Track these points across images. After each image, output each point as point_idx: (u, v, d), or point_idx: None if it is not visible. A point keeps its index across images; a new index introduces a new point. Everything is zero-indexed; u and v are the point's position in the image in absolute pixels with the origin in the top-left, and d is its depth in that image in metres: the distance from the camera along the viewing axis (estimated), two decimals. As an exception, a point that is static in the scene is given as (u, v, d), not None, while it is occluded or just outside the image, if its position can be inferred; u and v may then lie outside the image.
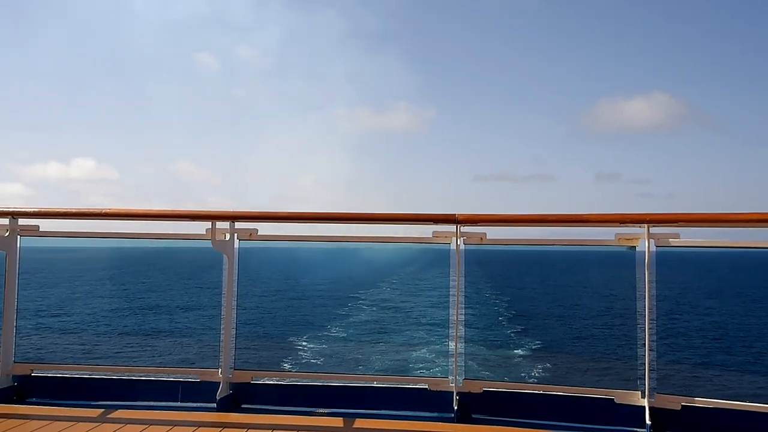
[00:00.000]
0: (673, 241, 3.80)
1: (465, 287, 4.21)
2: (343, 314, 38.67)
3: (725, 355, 27.67)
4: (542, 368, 23.02)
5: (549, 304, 46.68)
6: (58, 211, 4.40)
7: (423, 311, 39.43)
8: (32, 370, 4.49)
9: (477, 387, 4.07)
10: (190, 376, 4.46)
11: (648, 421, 3.66)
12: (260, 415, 4.04)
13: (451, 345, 4.13)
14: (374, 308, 42.28)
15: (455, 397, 3.98)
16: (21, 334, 4.60)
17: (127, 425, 3.73)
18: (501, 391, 4.18)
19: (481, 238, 4.12)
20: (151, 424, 3.74)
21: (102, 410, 4.01)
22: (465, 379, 4.08)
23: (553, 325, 36.56)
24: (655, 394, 3.75)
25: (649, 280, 3.80)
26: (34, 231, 4.53)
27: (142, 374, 4.84)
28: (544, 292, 56.29)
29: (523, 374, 22.37)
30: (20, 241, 4.52)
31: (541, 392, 4.15)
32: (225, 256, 4.34)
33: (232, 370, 4.30)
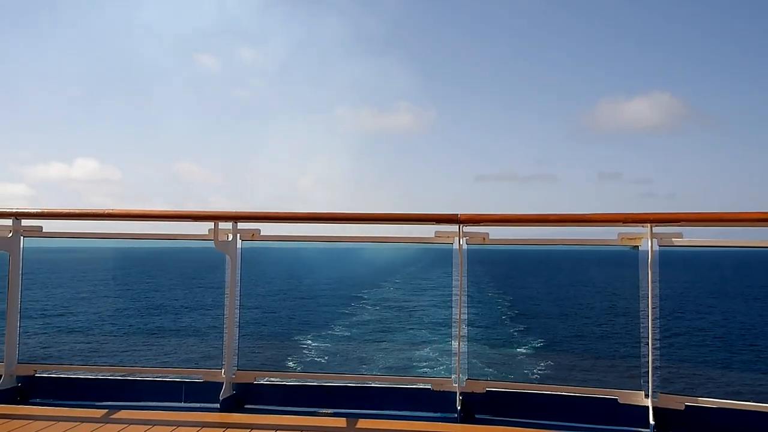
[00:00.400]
0: (676, 241, 3.79)
1: (467, 287, 4.21)
2: (346, 313, 38.79)
3: (729, 354, 27.63)
4: (545, 366, 23.03)
5: (552, 304, 46.70)
6: (61, 212, 4.41)
7: (426, 310, 39.43)
8: (36, 370, 4.50)
9: (480, 387, 4.07)
10: (193, 377, 4.46)
11: (651, 421, 3.65)
12: (263, 415, 4.04)
13: (454, 344, 4.13)
14: (377, 307, 42.34)
15: (458, 397, 3.97)
16: (24, 335, 4.61)
17: (131, 425, 3.74)
18: (504, 391, 4.17)
19: (484, 238, 4.12)
20: (155, 425, 3.75)
21: (105, 410, 4.01)
22: (468, 379, 4.08)
23: (556, 324, 36.55)
24: (659, 394, 3.74)
25: (652, 280, 3.80)
26: (37, 232, 4.55)
27: (145, 374, 4.85)
28: (546, 292, 56.25)
29: (526, 371, 22.40)
30: (23, 242, 4.53)
31: (545, 392, 4.14)
32: (227, 257, 4.34)
33: (236, 370, 4.31)
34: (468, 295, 4.23)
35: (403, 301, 45.88)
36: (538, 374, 21.91)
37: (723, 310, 43.45)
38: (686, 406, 3.71)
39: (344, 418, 3.96)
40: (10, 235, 4.45)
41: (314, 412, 4.12)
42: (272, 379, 4.60)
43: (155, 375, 4.75)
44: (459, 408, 3.94)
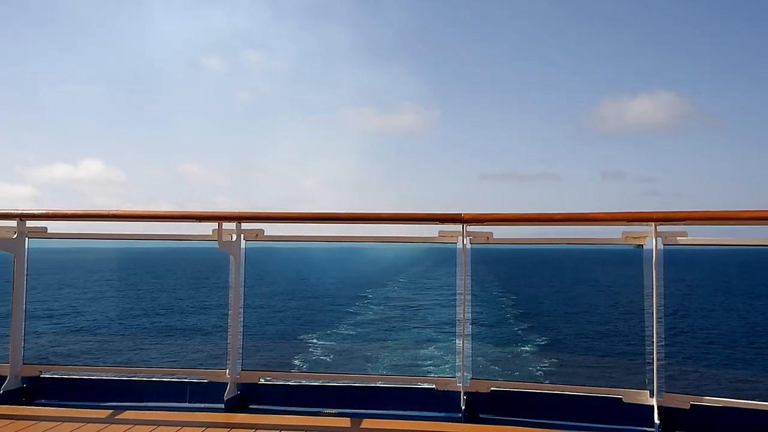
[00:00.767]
0: (680, 240, 3.78)
1: (471, 286, 4.20)
2: (351, 312, 38.93)
3: (734, 353, 27.56)
4: (549, 363, 23.04)
5: (556, 303, 46.64)
6: (65, 213, 4.41)
7: (430, 309, 39.48)
8: (41, 371, 4.51)
9: (484, 387, 4.06)
10: (198, 377, 4.47)
11: (657, 421, 3.64)
12: (268, 415, 4.04)
13: (458, 343, 4.13)
14: (382, 307, 42.41)
15: (463, 397, 3.97)
16: (29, 336, 4.62)
17: (136, 426, 3.74)
18: (509, 391, 4.17)
19: (488, 238, 4.11)
20: (160, 425, 3.76)
21: (111, 411, 4.02)
22: (472, 378, 4.07)
23: (561, 323, 36.52)
24: (664, 393, 3.73)
25: (656, 279, 3.79)
26: (42, 233, 4.55)
27: (150, 375, 4.86)
28: (551, 291, 56.20)
29: (531, 368, 22.40)
30: (28, 243, 4.54)
31: (549, 392, 4.14)
32: (231, 257, 4.34)
33: (240, 370, 4.31)
34: (472, 294, 4.23)
35: (408, 300, 45.93)
36: (542, 371, 21.93)
37: (727, 308, 43.36)
38: (691, 405, 3.69)
39: (348, 418, 3.96)
40: (15, 236, 4.46)
41: (318, 412, 4.13)
42: (276, 379, 4.60)
43: (160, 375, 4.76)
44: (463, 408, 3.94)
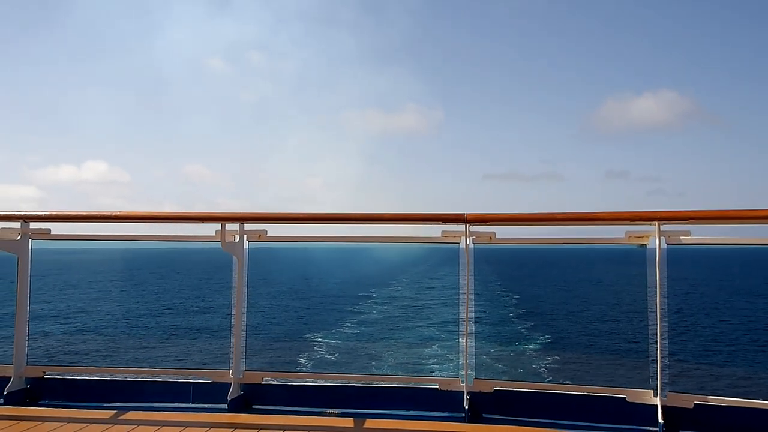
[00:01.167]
0: (684, 239, 3.76)
1: (474, 286, 4.19)
2: (355, 312, 39.03)
3: (738, 352, 27.50)
4: (552, 362, 23.05)
5: (559, 302, 46.62)
6: (69, 215, 4.42)
7: (433, 309, 39.52)
8: (44, 372, 4.51)
9: (488, 386, 4.05)
10: (201, 378, 4.47)
11: (660, 420, 3.63)
12: (271, 415, 4.05)
13: (462, 343, 4.12)
14: (386, 306, 42.51)
15: (466, 397, 3.97)
16: (33, 337, 4.63)
17: (140, 426, 3.75)
18: (512, 391, 4.16)
19: (491, 237, 4.10)
20: (163, 425, 3.76)
21: (114, 412, 4.02)
22: (476, 378, 4.07)
23: (564, 322, 36.49)
24: (668, 392, 3.72)
25: (660, 278, 3.78)
26: (46, 234, 4.56)
27: (154, 375, 4.86)
28: (554, 290, 56.14)
29: (534, 366, 22.41)
30: (32, 244, 4.54)
31: (553, 391, 4.13)
32: (235, 258, 4.34)
33: (243, 371, 4.31)
34: (476, 293, 4.22)
35: (411, 300, 45.99)
36: (545, 368, 21.93)
37: (731, 307, 43.24)
38: (695, 404, 3.68)
39: (352, 418, 3.96)
40: (19, 237, 4.47)
41: (321, 412, 4.13)
42: (279, 379, 4.61)
43: (163, 376, 4.76)
44: (467, 408, 3.93)
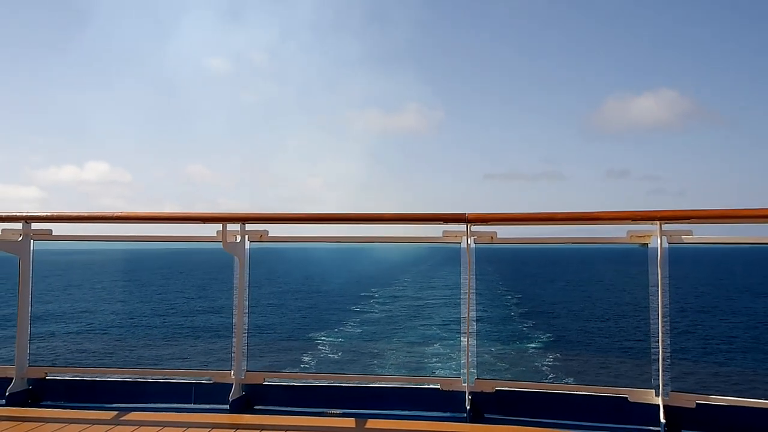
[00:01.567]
0: (685, 238, 3.76)
1: (476, 285, 4.19)
2: (357, 311, 39.12)
3: (740, 352, 27.49)
4: (554, 359, 23.07)
5: (561, 301, 46.62)
6: (70, 215, 4.42)
7: (435, 308, 39.58)
8: (46, 373, 4.51)
9: (489, 386, 4.05)
10: (203, 378, 4.47)
11: (662, 420, 3.62)
12: (273, 416, 4.05)
13: (463, 342, 4.12)
14: (388, 306, 42.57)
15: (467, 397, 3.96)
16: (35, 338, 4.63)
17: (142, 427, 3.75)
18: (514, 391, 4.16)
19: (492, 237, 4.10)
20: (165, 426, 3.76)
21: (116, 412, 4.03)
22: (477, 378, 4.07)
23: (566, 321, 36.49)
24: (669, 392, 3.72)
25: (662, 277, 3.77)
26: (47, 235, 4.56)
27: (155, 376, 4.86)
28: (555, 290, 56.16)
29: (536, 364, 22.43)
30: (33, 245, 4.54)
31: (554, 391, 4.13)
32: (236, 258, 4.34)
33: (245, 371, 4.31)
34: (477, 293, 4.22)
35: (413, 299, 46.04)
36: (548, 366, 21.94)
37: (733, 307, 43.22)
38: (697, 404, 3.68)
39: (353, 419, 3.96)
40: (20, 238, 4.47)
41: (323, 412, 4.12)
42: (281, 380, 4.61)
43: (165, 377, 4.76)
44: (468, 408, 3.93)
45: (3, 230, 4.44)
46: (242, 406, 4.20)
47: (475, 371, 4.13)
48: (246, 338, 4.37)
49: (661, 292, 3.76)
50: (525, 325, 33.17)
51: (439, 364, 21.97)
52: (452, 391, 4.08)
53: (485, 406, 4.01)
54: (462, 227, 4.07)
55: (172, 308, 43.65)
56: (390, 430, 3.81)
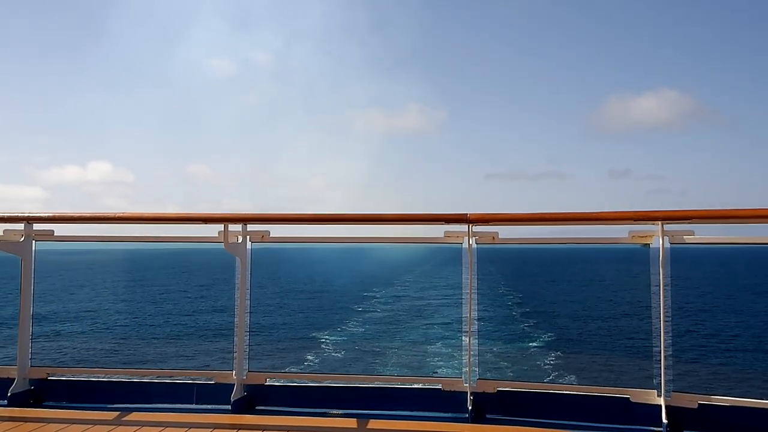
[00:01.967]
0: (687, 238, 3.75)
1: (478, 285, 4.19)
2: (360, 311, 39.23)
3: (742, 352, 27.45)
4: (556, 360, 23.07)
5: (563, 301, 46.67)
6: (72, 216, 4.42)
7: (437, 308, 39.65)
8: (48, 373, 4.52)
9: (491, 387, 4.05)
10: (204, 378, 4.47)
11: (665, 420, 3.62)
12: (275, 416, 4.05)
13: (465, 342, 4.12)
14: (390, 305, 42.70)
15: (469, 397, 3.96)
16: (37, 338, 4.63)
17: (143, 427, 3.75)
18: (515, 391, 4.16)
19: (494, 237, 4.09)
20: (167, 426, 3.76)
21: (118, 413, 4.03)
22: (479, 379, 4.07)
23: (568, 322, 36.49)
24: (672, 392, 3.71)
25: (663, 277, 3.76)
26: (49, 236, 4.56)
27: (157, 377, 4.87)
28: (557, 290, 56.18)
29: (539, 362, 22.44)
30: (35, 246, 4.55)
31: (556, 392, 4.13)
32: (238, 259, 4.35)
33: (247, 371, 4.31)
34: (479, 293, 4.21)
35: (415, 299, 46.12)
36: (550, 364, 21.96)
37: (735, 307, 43.18)
38: (699, 404, 3.67)
39: (355, 419, 3.96)
40: (22, 239, 4.47)
41: (325, 413, 4.13)
42: (283, 380, 4.61)
43: (167, 377, 4.76)
44: (470, 408, 3.93)
45: (5, 231, 4.44)
46: (244, 406, 4.20)
47: (477, 370, 4.14)
48: (248, 338, 4.37)
49: (663, 292, 3.75)
50: (527, 324, 33.22)
51: (441, 363, 22.03)
52: (454, 391, 4.07)
53: (487, 407, 4.01)
54: (463, 228, 4.07)
55: (174, 308, 43.71)
56: (391, 430, 3.81)
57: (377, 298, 47.07)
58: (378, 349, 26.58)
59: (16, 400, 4.29)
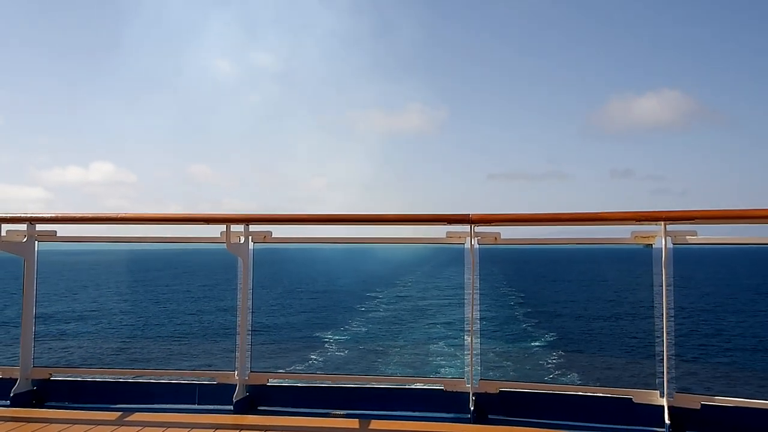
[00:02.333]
0: (690, 239, 3.75)
1: (480, 285, 4.18)
2: (363, 311, 39.30)
3: (745, 353, 27.39)
4: (558, 359, 23.07)
5: (565, 301, 46.59)
6: (74, 217, 4.43)
7: (439, 308, 39.66)
8: (51, 374, 4.52)
9: (493, 387, 4.04)
10: (206, 379, 4.47)
11: (667, 421, 3.61)
12: (277, 417, 4.05)
13: (467, 343, 4.11)
14: (392, 306, 42.73)
15: (471, 398, 3.95)
16: (41, 338, 4.64)
17: (146, 428, 3.76)
18: (518, 392, 4.15)
19: (495, 238, 4.09)
20: (169, 427, 3.77)
21: (120, 413, 4.03)
22: (481, 379, 4.06)
23: (570, 322, 36.45)
24: (674, 393, 3.71)
25: (666, 278, 3.76)
26: (52, 236, 4.56)
27: (159, 377, 4.87)
28: (559, 290, 56.09)
29: (541, 362, 22.43)
30: (38, 247, 4.55)
31: (559, 392, 4.12)
32: (240, 259, 4.35)
33: (249, 372, 4.31)
34: (481, 293, 4.21)
35: (418, 300, 46.12)
36: (552, 364, 21.96)
37: (738, 307, 43.09)
38: (702, 405, 3.66)
39: (357, 419, 3.96)
40: (25, 240, 4.47)
41: (327, 413, 4.12)
42: (285, 380, 4.61)
43: (169, 377, 4.76)
44: (472, 408, 3.92)
45: (8, 231, 4.44)
46: (246, 406, 4.21)
47: (480, 369, 4.13)
48: (250, 339, 4.38)
49: (666, 293, 3.74)
50: (529, 324, 33.20)
51: (444, 362, 22.03)
52: (456, 392, 4.07)
53: (489, 407, 4.00)
54: (465, 228, 4.07)
55: (176, 308, 43.74)
56: (393, 430, 3.81)
57: (380, 298, 47.09)
58: (381, 349, 26.68)
59: (19, 401, 4.30)
